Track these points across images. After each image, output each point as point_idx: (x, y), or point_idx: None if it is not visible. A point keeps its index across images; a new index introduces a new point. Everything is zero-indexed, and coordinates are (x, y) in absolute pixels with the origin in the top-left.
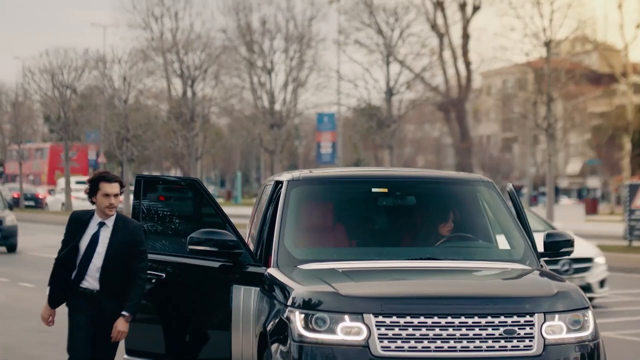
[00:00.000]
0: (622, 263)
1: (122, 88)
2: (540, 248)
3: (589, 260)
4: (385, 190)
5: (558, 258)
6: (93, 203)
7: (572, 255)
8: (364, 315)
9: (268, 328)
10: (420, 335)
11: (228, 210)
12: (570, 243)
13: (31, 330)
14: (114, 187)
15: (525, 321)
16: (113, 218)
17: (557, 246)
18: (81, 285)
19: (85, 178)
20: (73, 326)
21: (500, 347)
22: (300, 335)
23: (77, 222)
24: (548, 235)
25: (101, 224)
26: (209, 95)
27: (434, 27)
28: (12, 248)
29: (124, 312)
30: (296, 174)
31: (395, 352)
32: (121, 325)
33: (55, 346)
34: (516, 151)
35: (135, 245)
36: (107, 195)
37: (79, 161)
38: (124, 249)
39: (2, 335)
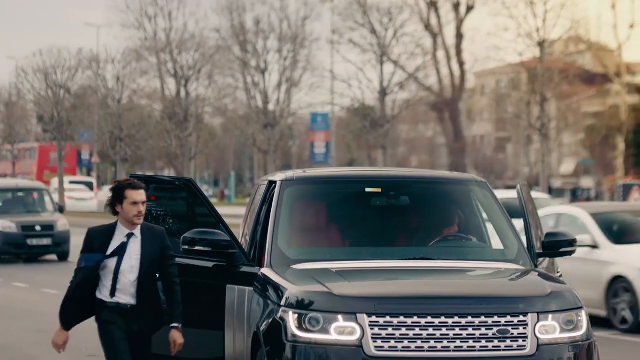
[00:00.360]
0: None
1: (116, 88)
2: None
3: None
4: (379, 190)
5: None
6: (115, 213)
7: None
8: (358, 315)
9: (261, 328)
10: (414, 335)
11: (221, 210)
12: (569, 243)
13: (28, 330)
14: (141, 195)
15: (518, 321)
16: (139, 227)
17: (556, 246)
18: (113, 301)
19: (75, 178)
20: (113, 340)
21: (493, 347)
22: (294, 335)
23: (101, 237)
24: (547, 235)
25: (130, 235)
26: (203, 95)
27: (427, 27)
28: (64, 256)
29: (175, 324)
30: (290, 174)
31: (389, 352)
32: (178, 337)
33: (50, 346)
34: (510, 151)
35: (164, 250)
36: (135, 203)
37: (68, 161)
38: (156, 259)
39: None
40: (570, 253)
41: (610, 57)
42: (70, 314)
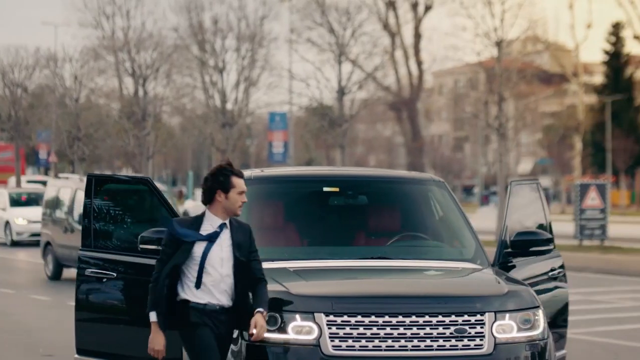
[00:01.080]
0: (573, 262)
1: (74, 87)
2: None
3: None
4: (337, 189)
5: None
6: (209, 202)
7: None
8: (315, 314)
9: None
10: (371, 334)
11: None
12: (542, 242)
13: None
14: (244, 183)
15: (476, 320)
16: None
17: (525, 245)
18: (200, 300)
19: (32, 177)
20: (205, 347)
21: (451, 346)
22: (252, 335)
23: (188, 225)
24: (517, 234)
25: (222, 225)
26: (161, 94)
27: (386, 26)
28: None
29: (260, 309)
30: (248, 173)
31: (346, 351)
32: (263, 321)
33: (14, 346)
34: (468, 150)
35: (252, 243)
36: (242, 192)
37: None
38: (245, 252)
39: None
40: (543, 252)
41: (567, 57)
42: (163, 314)
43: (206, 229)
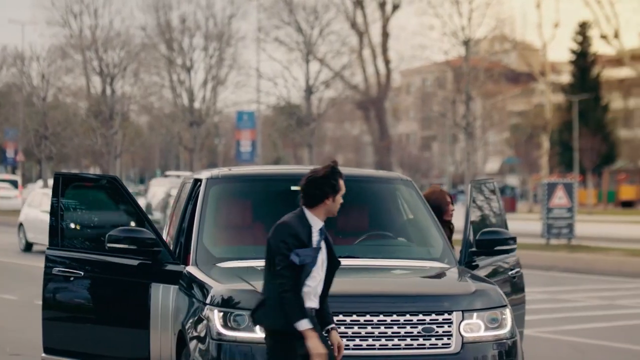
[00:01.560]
0: (540, 261)
1: (41, 85)
2: None
3: None
4: None
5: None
6: (314, 206)
7: None
8: None
9: (187, 326)
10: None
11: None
12: (505, 241)
13: None
14: None
15: (443, 319)
16: None
17: (489, 244)
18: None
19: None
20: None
21: (418, 344)
22: (219, 334)
23: (303, 231)
24: (481, 233)
25: (322, 228)
26: (129, 93)
27: (353, 25)
28: None
29: (334, 325)
30: (215, 172)
31: None
32: (339, 338)
33: None
34: (435, 149)
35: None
36: (342, 194)
37: None
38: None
39: None
40: (507, 251)
41: (535, 56)
42: (305, 308)
43: (315, 234)
